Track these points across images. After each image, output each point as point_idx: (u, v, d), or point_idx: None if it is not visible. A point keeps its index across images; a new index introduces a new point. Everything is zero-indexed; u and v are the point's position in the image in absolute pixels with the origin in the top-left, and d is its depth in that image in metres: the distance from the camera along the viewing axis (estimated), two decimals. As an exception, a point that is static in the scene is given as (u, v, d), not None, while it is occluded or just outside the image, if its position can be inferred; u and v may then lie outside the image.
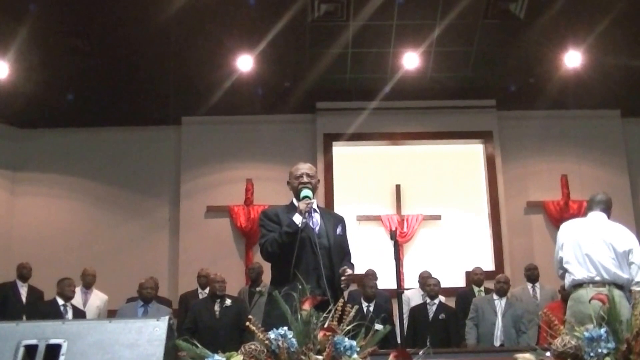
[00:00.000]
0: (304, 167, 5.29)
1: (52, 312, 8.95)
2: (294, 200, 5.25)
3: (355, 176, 12.74)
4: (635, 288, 5.70)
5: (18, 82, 11.71)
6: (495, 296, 9.85)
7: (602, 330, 3.48)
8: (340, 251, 5.17)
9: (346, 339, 3.28)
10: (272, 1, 11.11)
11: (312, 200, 5.09)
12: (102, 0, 11.01)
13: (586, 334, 3.49)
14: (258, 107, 12.83)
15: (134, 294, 9.98)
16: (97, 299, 10.38)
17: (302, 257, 4.94)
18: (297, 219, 4.97)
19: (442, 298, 10.45)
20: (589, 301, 4.85)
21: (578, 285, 5.84)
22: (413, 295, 10.68)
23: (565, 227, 6.26)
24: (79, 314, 9.40)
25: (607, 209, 6.29)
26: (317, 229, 5.09)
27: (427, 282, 10.24)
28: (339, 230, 5.27)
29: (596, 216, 6.22)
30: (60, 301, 9.26)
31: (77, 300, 9.91)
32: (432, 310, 9.93)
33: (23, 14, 10.80)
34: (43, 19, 10.97)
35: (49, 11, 10.95)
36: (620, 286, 5.68)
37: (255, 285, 10.64)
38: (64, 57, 11.63)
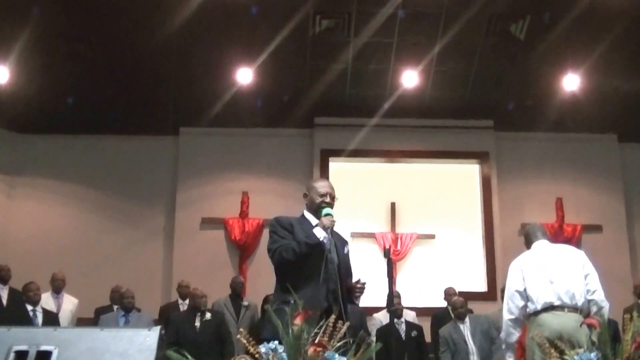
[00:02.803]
0: (329, 186, 5.33)
1: (23, 319, 8.83)
2: (306, 213, 5.31)
3: (351, 192, 12.75)
4: (593, 307, 5.71)
5: (18, 87, 11.71)
6: (458, 322, 9.61)
7: (593, 355, 3.50)
8: (346, 270, 5.20)
9: (337, 355, 3.29)
10: (273, 15, 11.12)
11: (334, 220, 5.10)
12: (106, 8, 11.01)
13: (576, 357, 3.51)
14: (256, 120, 12.85)
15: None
16: (70, 302, 10.40)
17: (314, 270, 4.91)
18: (320, 233, 4.99)
19: (412, 314, 10.40)
20: (580, 326, 4.88)
21: (542, 310, 5.78)
22: (385, 317, 10.34)
23: (519, 261, 6.15)
24: (51, 318, 9.33)
25: (545, 234, 6.33)
26: (328, 244, 5.06)
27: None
28: (345, 249, 5.30)
29: (542, 244, 6.20)
30: (29, 307, 9.21)
31: (50, 305, 9.92)
32: (401, 329, 9.83)
33: (25, 18, 10.80)
34: (45, 24, 10.97)
35: (52, 16, 10.95)
36: (577, 309, 5.67)
37: (238, 298, 10.68)
38: (66, 63, 11.64)
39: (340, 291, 4.97)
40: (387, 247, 4.79)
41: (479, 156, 13.12)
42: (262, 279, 11.91)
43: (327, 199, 5.22)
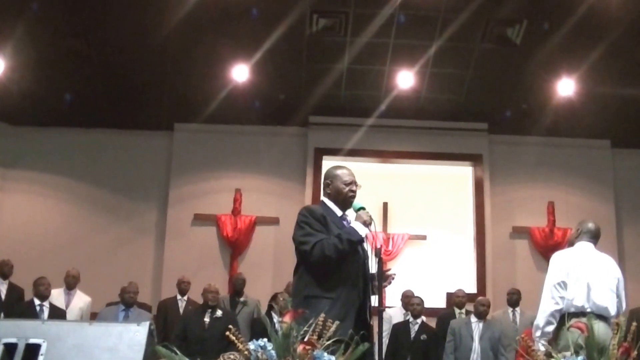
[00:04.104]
0: (352, 174, 5.15)
1: (28, 312, 8.95)
2: (328, 202, 5.10)
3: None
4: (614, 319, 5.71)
5: (13, 79, 11.69)
6: (473, 318, 9.83)
7: (580, 358, 3.52)
8: (368, 263, 5.03)
9: (325, 354, 3.30)
10: (270, 13, 11.12)
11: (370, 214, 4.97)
12: (103, 4, 11.02)
13: (563, 360, 3.53)
14: (251, 117, 12.85)
15: (116, 297, 9.99)
16: (81, 300, 10.30)
17: (349, 266, 4.79)
18: (361, 229, 4.85)
19: (424, 318, 10.47)
20: (568, 329, 4.91)
21: (574, 314, 5.77)
22: (395, 314, 10.68)
23: (562, 255, 6.15)
24: (58, 314, 9.35)
25: (595, 238, 6.23)
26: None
27: (410, 302, 10.19)
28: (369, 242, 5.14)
29: (586, 247, 6.15)
30: (37, 301, 9.26)
31: (60, 301, 9.88)
32: (414, 329, 9.92)
33: (23, 12, 10.79)
34: (43, 18, 10.96)
35: (49, 10, 10.94)
36: (606, 319, 5.70)
37: (238, 295, 10.71)
38: (62, 57, 11.62)
39: (369, 286, 4.90)
40: (379, 247, 4.78)
41: (473, 159, 13.14)
42: (253, 276, 11.94)
43: (354, 187, 5.08)
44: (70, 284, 10.31)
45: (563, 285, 5.90)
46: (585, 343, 3.66)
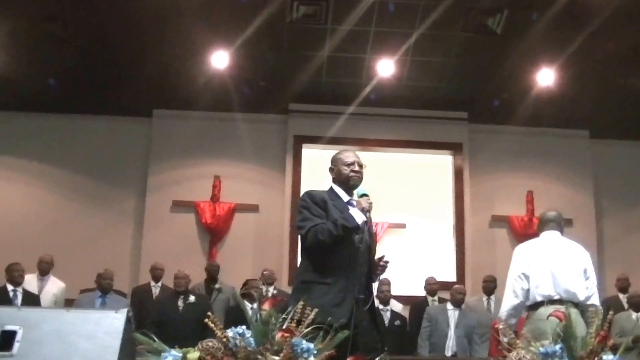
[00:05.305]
0: (355, 156, 5.12)
1: (1, 298, 8.91)
2: (335, 187, 5.07)
3: (324, 179, 12.72)
4: (592, 308, 5.72)
5: (-12, 64, 11.58)
6: (449, 306, 9.90)
7: (558, 347, 3.53)
8: (374, 248, 5.02)
9: (304, 341, 3.29)
10: (251, 0, 11.07)
11: (371, 200, 4.90)
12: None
13: (541, 349, 3.53)
14: (231, 104, 12.76)
15: (93, 284, 9.94)
16: (54, 286, 10.26)
17: (348, 253, 4.72)
18: (358, 216, 4.78)
19: (400, 306, 10.50)
20: (547, 318, 4.92)
21: (539, 303, 5.80)
22: None
23: (525, 247, 6.18)
24: (32, 299, 9.30)
25: (560, 225, 6.25)
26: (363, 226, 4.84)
27: (379, 288, 10.06)
28: (373, 227, 5.15)
29: (551, 235, 6.18)
30: (10, 287, 9.22)
31: (33, 287, 9.84)
32: (386, 316, 9.94)
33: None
34: (19, 1, 10.85)
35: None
36: (576, 304, 5.71)
37: (213, 281, 10.72)
38: (38, 41, 11.47)
39: (371, 272, 4.84)
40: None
41: (452, 147, 13.17)
42: (232, 263, 11.95)
43: (356, 168, 5.04)
44: (43, 269, 10.25)
45: (523, 277, 5.91)
46: (563, 331, 3.67)
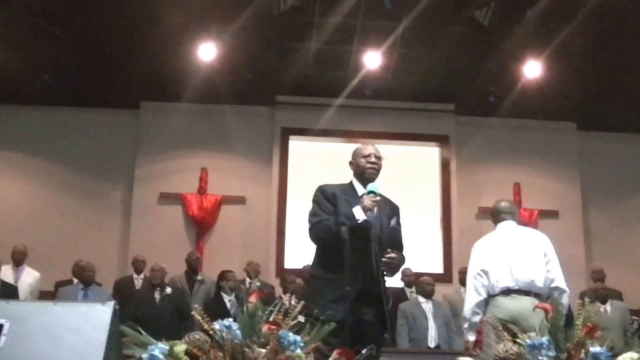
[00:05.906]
0: (372, 148, 5.12)
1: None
2: (354, 181, 5.08)
3: (311, 171, 12.74)
4: (555, 291, 5.72)
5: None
6: (421, 299, 9.86)
7: (544, 339, 3.54)
8: (390, 243, 4.91)
9: (290, 334, 3.30)
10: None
11: (378, 198, 4.81)
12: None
13: (528, 341, 3.54)
14: (218, 96, 12.73)
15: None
16: (30, 276, 10.28)
17: (350, 250, 4.62)
18: (359, 214, 4.72)
19: None
20: (533, 309, 4.94)
21: (500, 293, 5.78)
22: None
23: (482, 243, 6.14)
24: (10, 290, 9.26)
25: (512, 214, 6.21)
26: (372, 221, 4.81)
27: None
28: (393, 222, 5.10)
29: (507, 225, 6.15)
30: (-13, 277, 9.19)
31: (8, 277, 9.85)
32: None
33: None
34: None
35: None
36: (537, 294, 5.69)
37: (194, 273, 10.72)
38: (26, 35, 11.40)
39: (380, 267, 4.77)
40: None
41: (439, 139, 13.20)
42: (219, 255, 11.94)
43: (372, 159, 5.04)
44: (18, 260, 10.26)
45: (483, 273, 5.89)
46: (551, 323, 3.68)
